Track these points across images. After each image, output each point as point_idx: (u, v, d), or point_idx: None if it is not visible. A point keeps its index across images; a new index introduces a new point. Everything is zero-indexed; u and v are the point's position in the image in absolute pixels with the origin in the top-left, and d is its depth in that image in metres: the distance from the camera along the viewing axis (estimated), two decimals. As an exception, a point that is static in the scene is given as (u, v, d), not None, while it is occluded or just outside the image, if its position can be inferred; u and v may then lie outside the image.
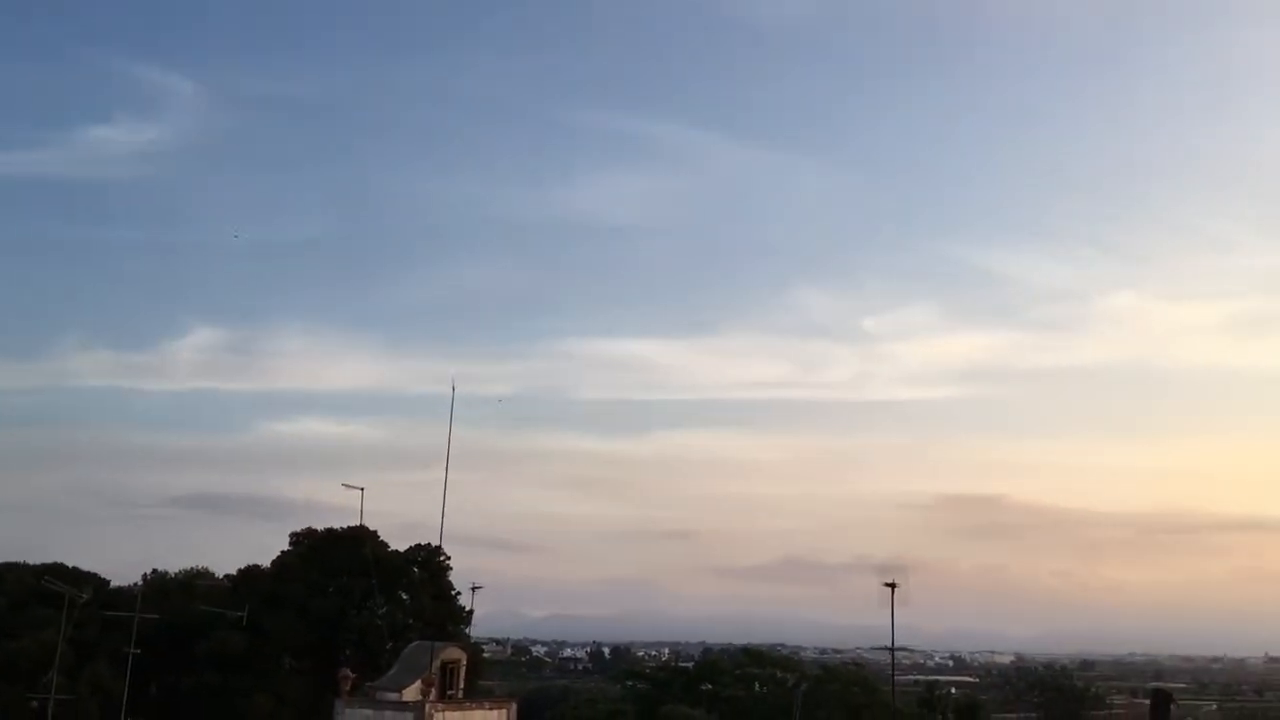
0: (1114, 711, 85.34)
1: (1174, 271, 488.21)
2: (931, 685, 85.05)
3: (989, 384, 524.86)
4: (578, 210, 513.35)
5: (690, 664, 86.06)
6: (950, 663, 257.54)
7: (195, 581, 59.69)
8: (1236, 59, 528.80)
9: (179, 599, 55.78)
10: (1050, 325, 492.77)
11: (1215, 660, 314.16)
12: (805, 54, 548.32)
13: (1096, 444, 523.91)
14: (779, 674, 69.92)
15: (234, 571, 59.72)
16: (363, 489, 38.57)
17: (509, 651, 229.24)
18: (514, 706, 33.23)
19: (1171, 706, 65.93)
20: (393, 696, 31.38)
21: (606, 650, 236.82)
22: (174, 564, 63.20)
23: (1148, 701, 64.59)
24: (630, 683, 75.81)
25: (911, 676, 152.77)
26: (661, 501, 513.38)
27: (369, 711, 30.45)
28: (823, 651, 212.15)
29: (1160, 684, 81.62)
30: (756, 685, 69.70)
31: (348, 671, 33.25)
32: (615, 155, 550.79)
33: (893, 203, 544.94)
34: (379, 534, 55.86)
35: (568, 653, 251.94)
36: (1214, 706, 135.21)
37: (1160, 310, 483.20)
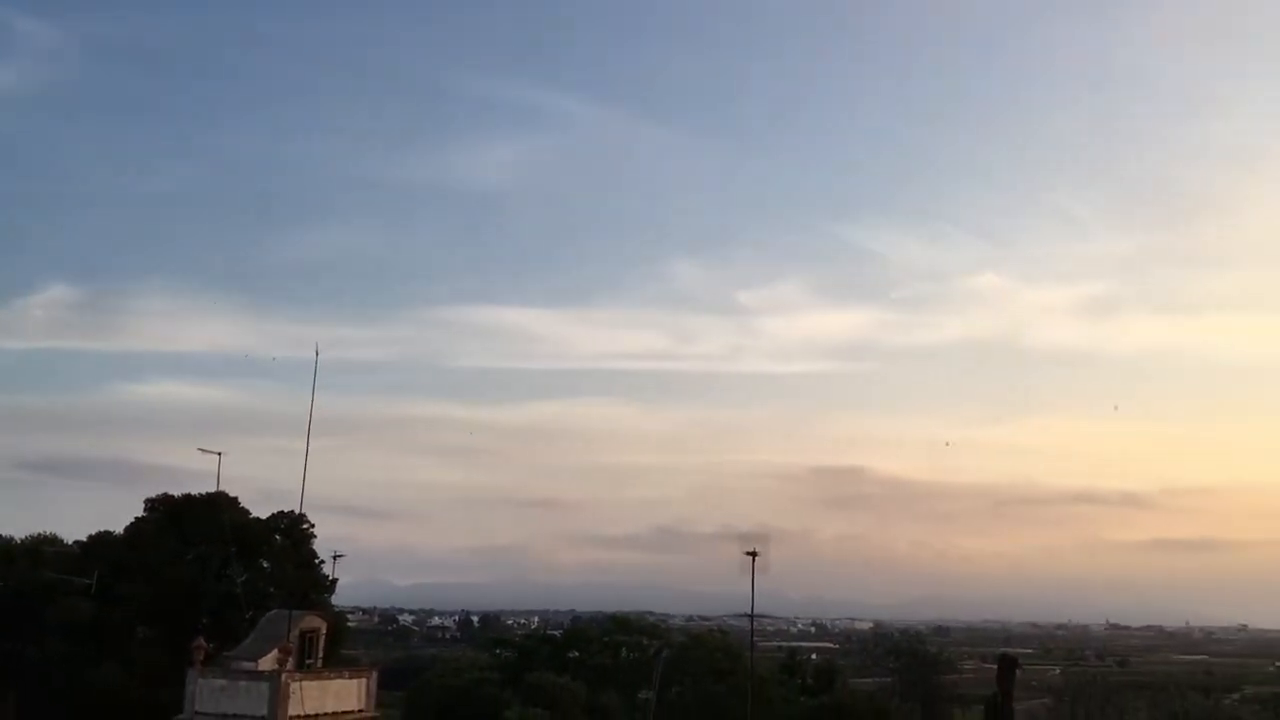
0: (964, 676, 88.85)
1: (1034, 254, 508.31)
2: (793, 651, 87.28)
3: (857, 359, 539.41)
4: (452, 175, 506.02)
5: (559, 632, 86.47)
6: (812, 629, 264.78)
7: (42, 548, 57.18)
8: (1104, 55, 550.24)
9: (25, 566, 53.48)
10: (916, 304, 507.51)
11: (1060, 627, 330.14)
12: (685, 27, 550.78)
13: (955, 419, 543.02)
14: (645, 641, 70.80)
15: (84, 538, 57.46)
16: (221, 454, 37.55)
17: (375, 620, 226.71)
18: (374, 675, 32.88)
19: (1017, 671, 69.44)
20: (248, 666, 30.71)
21: (475, 618, 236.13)
22: (20, 529, 60.46)
23: (996, 665, 67.55)
24: (498, 651, 75.83)
25: (775, 643, 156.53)
26: (533, 470, 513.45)
27: (222, 681, 29.73)
28: (690, 619, 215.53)
29: (1007, 649, 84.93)
30: (623, 652, 70.45)
31: (202, 641, 32.37)
32: (491, 120, 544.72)
33: (767, 178, 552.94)
34: (239, 500, 54.48)
35: (435, 621, 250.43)
36: (1057, 671, 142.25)
37: (1020, 291, 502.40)
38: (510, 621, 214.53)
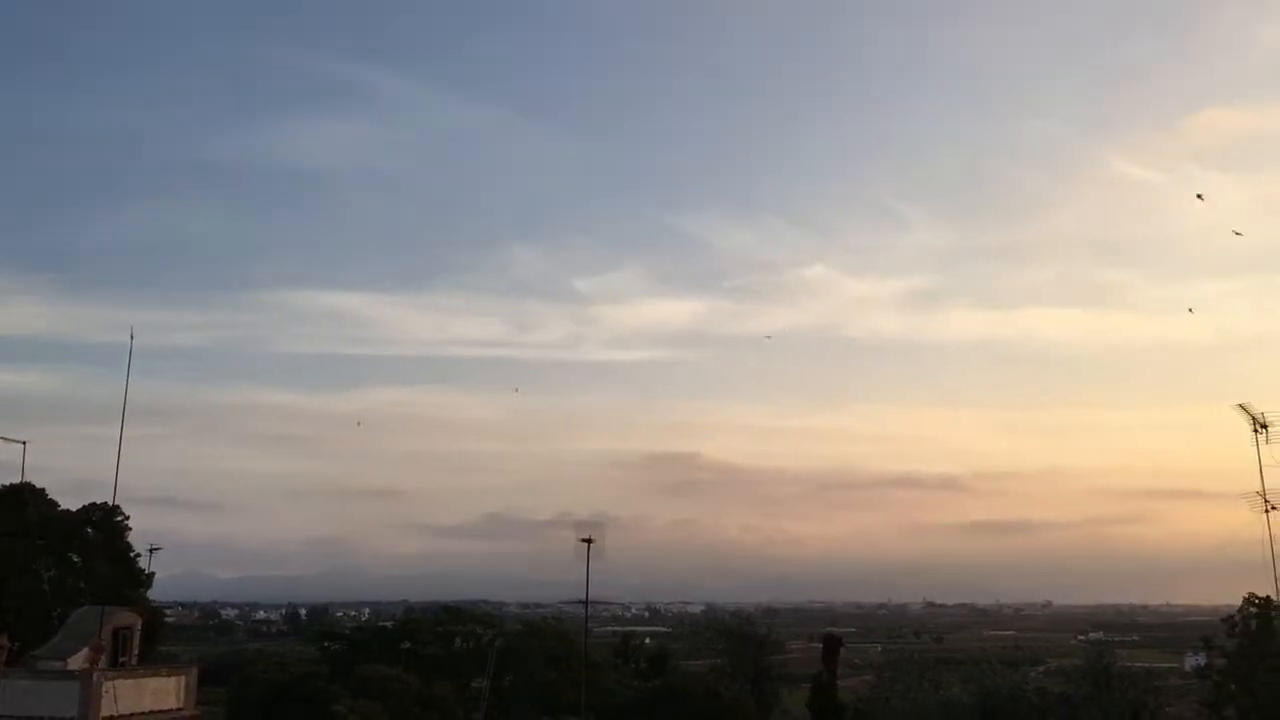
0: (791, 655, 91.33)
1: (859, 247, 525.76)
2: (627, 636, 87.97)
3: (691, 348, 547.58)
4: (283, 155, 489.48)
5: (390, 623, 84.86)
6: (646, 614, 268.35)
7: None
8: (922, 51, 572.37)
9: None
10: (748, 293, 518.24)
11: (881, 606, 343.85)
12: (526, 14, 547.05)
13: (784, 406, 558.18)
14: (479, 630, 70.19)
15: None
16: (25, 442, 35.33)
17: (196, 615, 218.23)
18: (194, 672, 31.57)
19: (840, 650, 71.90)
20: (56, 665, 29.06)
21: (303, 612, 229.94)
22: None
23: (821, 645, 69.76)
24: (326, 644, 73.86)
25: (610, 628, 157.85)
26: (365, 459, 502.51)
27: (27, 682, 28.02)
28: (525, 607, 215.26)
29: (832, 629, 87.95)
30: (457, 642, 69.67)
31: (4, 640, 30.50)
32: (325, 100, 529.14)
33: (606, 167, 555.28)
34: (47, 492, 51.51)
35: (261, 615, 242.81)
36: (879, 648, 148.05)
37: (846, 283, 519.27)
38: (340, 614, 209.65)
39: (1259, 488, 36.46)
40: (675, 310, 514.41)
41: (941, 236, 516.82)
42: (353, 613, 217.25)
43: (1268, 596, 48.70)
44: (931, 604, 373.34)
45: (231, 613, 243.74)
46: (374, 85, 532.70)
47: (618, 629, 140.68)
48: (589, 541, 39.17)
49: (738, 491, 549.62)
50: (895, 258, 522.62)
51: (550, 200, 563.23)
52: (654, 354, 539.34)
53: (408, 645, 68.10)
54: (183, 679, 30.73)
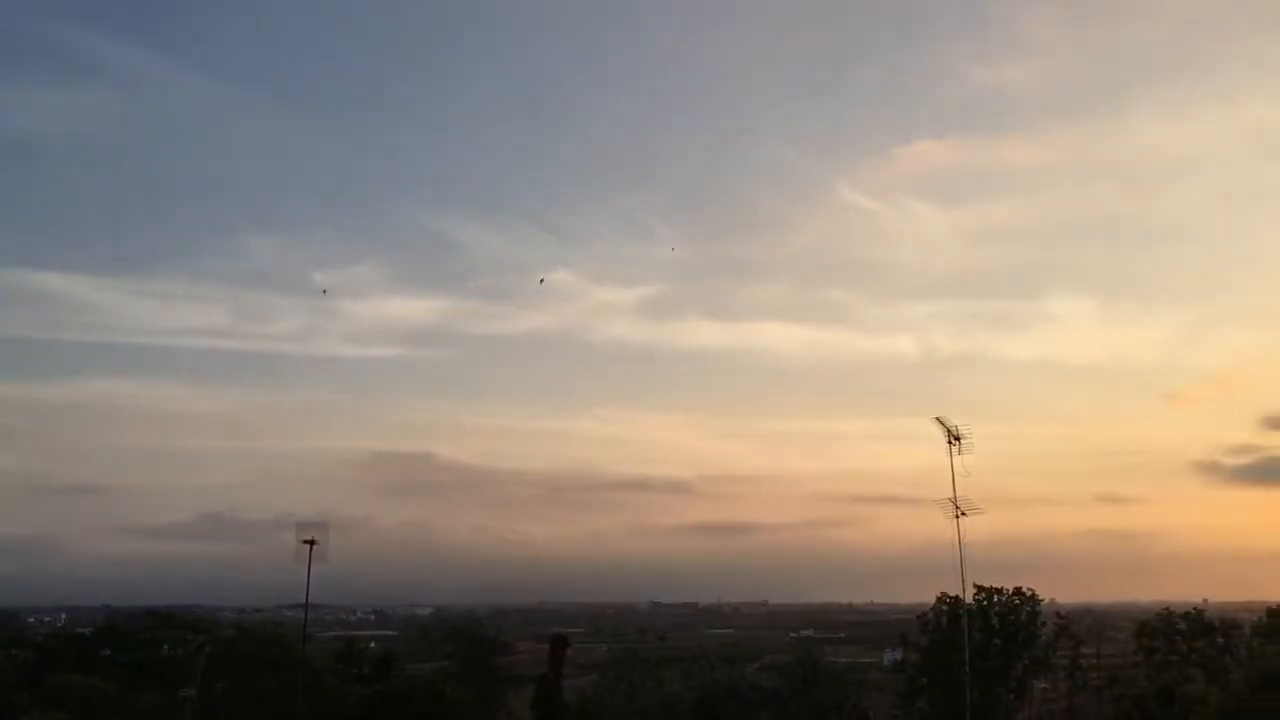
0: (519, 656, 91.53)
1: (603, 255, 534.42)
2: (351, 640, 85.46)
3: (431, 346, 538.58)
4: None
5: (90, 630, 78.90)
6: (373, 617, 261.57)
7: None
8: (674, 72, 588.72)
9: None
10: (492, 295, 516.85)
11: (609, 606, 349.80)
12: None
13: (524, 409, 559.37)
14: (189, 636, 66.32)
15: None
16: None
17: None
18: None
19: (567, 650, 72.53)
20: None
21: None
22: None
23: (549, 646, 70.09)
24: (14, 651, 67.84)
25: (334, 633, 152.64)
26: (70, 454, 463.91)
27: None
28: (243, 611, 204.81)
29: (560, 629, 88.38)
30: (164, 648, 65.63)
31: None
32: (38, 63, 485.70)
33: (351, 158, 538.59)
34: None
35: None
36: (605, 648, 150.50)
37: (590, 289, 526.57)
38: (32, 619, 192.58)
39: (952, 495, 39.59)
40: (417, 308, 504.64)
41: (682, 249, 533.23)
42: (47, 618, 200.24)
43: (957, 595, 52.85)
44: (657, 603, 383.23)
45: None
46: (102, 54, 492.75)
47: (342, 633, 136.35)
48: (311, 543, 37.76)
49: (472, 493, 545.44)
50: (638, 267, 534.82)
51: (291, 188, 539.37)
52: (392, 351, 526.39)
53: (108, 652, 63.63)
54: None
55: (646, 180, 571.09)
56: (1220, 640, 56.34)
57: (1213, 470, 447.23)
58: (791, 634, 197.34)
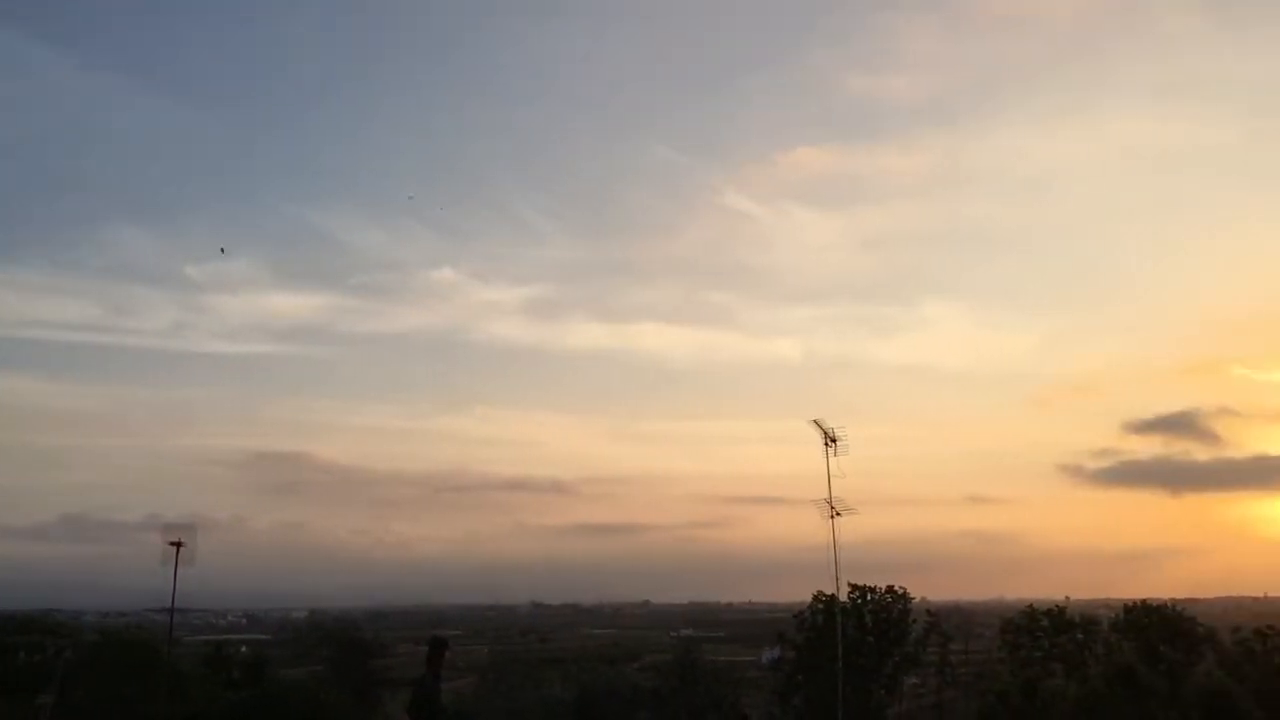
0: (397, 659, 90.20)
1: (488, 254, 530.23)
2: (221, 644, 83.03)
3: (310, 344, 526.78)
4: None
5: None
6: (244, 621, 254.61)
7: None
8: (562, 70, 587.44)
9: None
10: (375, 292, 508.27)
11: (490, 608, 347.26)
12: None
13: (405, 408, 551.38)
14: (47, 641, 63.52)
15: None
16: None
17: None
18: None
19: (446, 652, 71.71)
20: None
21: None
22: None
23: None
24: None
25: (203, 637, 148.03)
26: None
27: None
28: (106, 615, 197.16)
29: (439, 631, 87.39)
30: (21, 655, 62.74)
31: None
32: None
33: (228, 150, 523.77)
34: None
35: None
36: (485, 649, 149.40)
37: (474, 288, 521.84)
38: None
39: (828, 495, 40.45)
40: (295, 304, 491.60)
41: (568, 249, 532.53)
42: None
43: (833, 594, 53.96)
44: (539, 604, 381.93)
45: None
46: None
47: (211, 637, 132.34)
48: (178, 545, 36.57)
49: (350, 493, 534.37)
50: (523, 267, 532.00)
51: (164, 179, 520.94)
52: (269, 348, 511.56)
53: (-45, 661, 60.46)
54: None
55: (534, 180, 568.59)
56: (1080, 636, 58.65)
57: (1076, 472, 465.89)
58: (672, 633, 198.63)
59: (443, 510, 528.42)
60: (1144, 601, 60.75)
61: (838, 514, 40.19)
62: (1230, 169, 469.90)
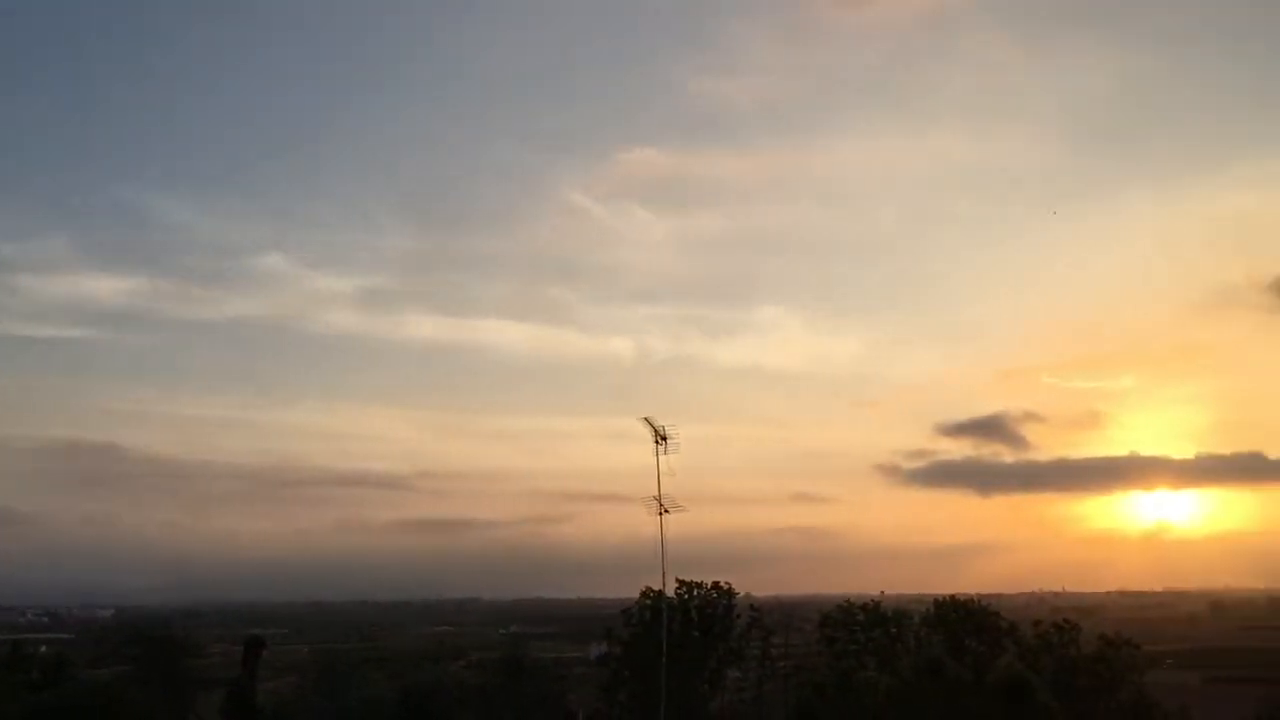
0: (212, 659, 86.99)
1: (323, 242, 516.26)
2: (18, 644, 78.30)
3: (128, 330, 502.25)
4: None
5: None
6: (46, 619, 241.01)
7: None
8: (411, 61, 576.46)
9: None
10: (199, 276, 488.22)
11: (315, 606, 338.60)
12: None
13: (231, 398, 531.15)
14: None
15: None
16: None
17: None
18: None
19: (264, 652, 69.52)
20: None
21: None
22: None
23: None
24: None
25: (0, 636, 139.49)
26: None
27: None
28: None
29: (259, 630, 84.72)
30: None
31: None
32: None
33: (39, 122, 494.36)
34: None
35: None
36: (307, 649, 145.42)
37: (306, 276, 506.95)
38: None
39: (657, 493, 41.06)
40: (110, 287, 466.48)
41: (407, 241, 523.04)
42: None
43: (660, 590, 54.72)
44: (366, 602, 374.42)
45: None
46: None
47: (9, 636, 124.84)
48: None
49: (169, 487, 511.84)
50: (360, 256, 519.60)
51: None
52: (80, 333, 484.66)
53: None
54: None
55: (373, 167, 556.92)
56: (893, 630, 60.93)
57: (893, 472, 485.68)
58: (501, 631, 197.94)
59: (270, 505, 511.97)
60: (953, 597, 63.67)
61: (667, 511, 40.85)
62: (1042, 186, 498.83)
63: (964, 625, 59.11)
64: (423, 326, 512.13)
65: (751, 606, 65.88)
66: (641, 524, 41.35)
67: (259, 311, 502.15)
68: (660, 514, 40.87)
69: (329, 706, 59.44)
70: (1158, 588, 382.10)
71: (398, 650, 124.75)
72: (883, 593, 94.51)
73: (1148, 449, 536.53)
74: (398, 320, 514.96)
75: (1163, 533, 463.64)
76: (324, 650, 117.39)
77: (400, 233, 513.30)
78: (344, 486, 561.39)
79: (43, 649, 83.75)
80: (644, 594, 59.47)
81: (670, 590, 56.73)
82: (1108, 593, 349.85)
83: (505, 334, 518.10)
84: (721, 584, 60.85)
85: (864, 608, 61.96)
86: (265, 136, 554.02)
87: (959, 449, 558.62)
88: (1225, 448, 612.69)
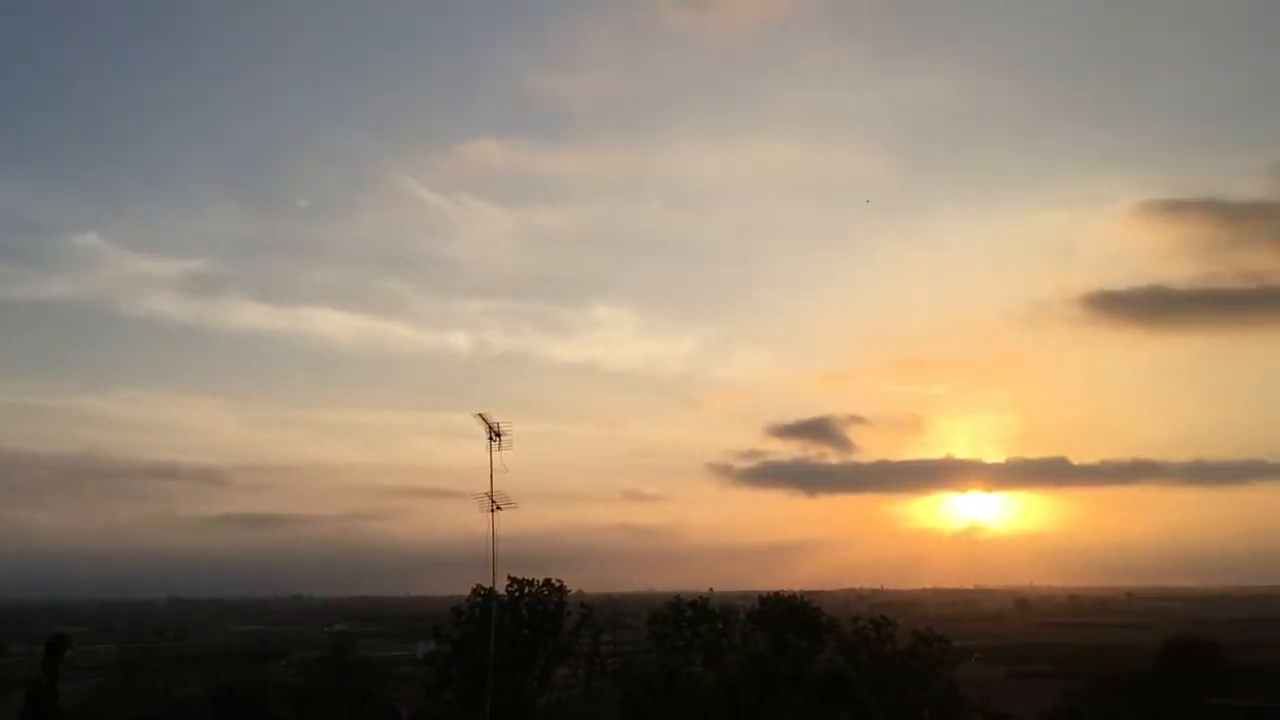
0: (11, 659, 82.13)
1: (144, 223, 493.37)
2: None
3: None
4: None
5: None
6: None
7: None
8: (244, 48, 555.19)
9: None
10: (8, 256, 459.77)
11: (124, 603, 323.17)
12: None
13: (28, 384, 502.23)
14: None
15: None
16: None
17: None
18: None
19: (66, 651, 66.01)
20: None
21: None
22: None
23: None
24: None
25: None
26: None
27: None
28: None
29: (63, 629, 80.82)
30: None
31: None
32: None
33: None
34: None
35: None
36: (115, 648, 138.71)
37: (124, 258, 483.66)
38: None
39: (489, 489, 40.79)
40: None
41: (234, 226, 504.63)
42: None
43: (491, 587, 54.35)
44: (178, 599, 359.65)
45: None
46: None
47: None
48: None
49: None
50: (183, 240, 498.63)
51: None
52: None
53: None
54: None
55: (197, 144, 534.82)
56: (719, 626, 62.08)
57: (724, 471, 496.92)
58: (326, 629, 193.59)
59: (75, 497, 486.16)
60: (777, 593, 65.41)
61: (499, 508, 40.61)
62: (872, 197, 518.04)
63: (787, 621, 60.74)
64: (246, 314, 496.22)
65: (582, 604, 66.11)
66: (474, 521, 41.03)
67: (71, 293, 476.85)
68: (492, 511, 40.64)
69: (136, 708, 56.95)
70: (969, 585, 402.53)
71: (212, 649, 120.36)
72: (711, 590, 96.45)
73: (962, 453, 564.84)
74: (221, 306, 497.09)
75: (974, 532, 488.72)
76: (132, 649, 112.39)
77: (226, 214, 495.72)
78: (157, 479, 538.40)
79: None
80: (474, 591, 58.97)
81: (501, 588, 56.43)
82: (923, 589, 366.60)
83: (334, 324, 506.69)
84: (553, 581, 60.90)
85: (692, 604, 62.89)
86: (85, 112, 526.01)
87: (788, 450, 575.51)
88: (1033, 452, 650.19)
